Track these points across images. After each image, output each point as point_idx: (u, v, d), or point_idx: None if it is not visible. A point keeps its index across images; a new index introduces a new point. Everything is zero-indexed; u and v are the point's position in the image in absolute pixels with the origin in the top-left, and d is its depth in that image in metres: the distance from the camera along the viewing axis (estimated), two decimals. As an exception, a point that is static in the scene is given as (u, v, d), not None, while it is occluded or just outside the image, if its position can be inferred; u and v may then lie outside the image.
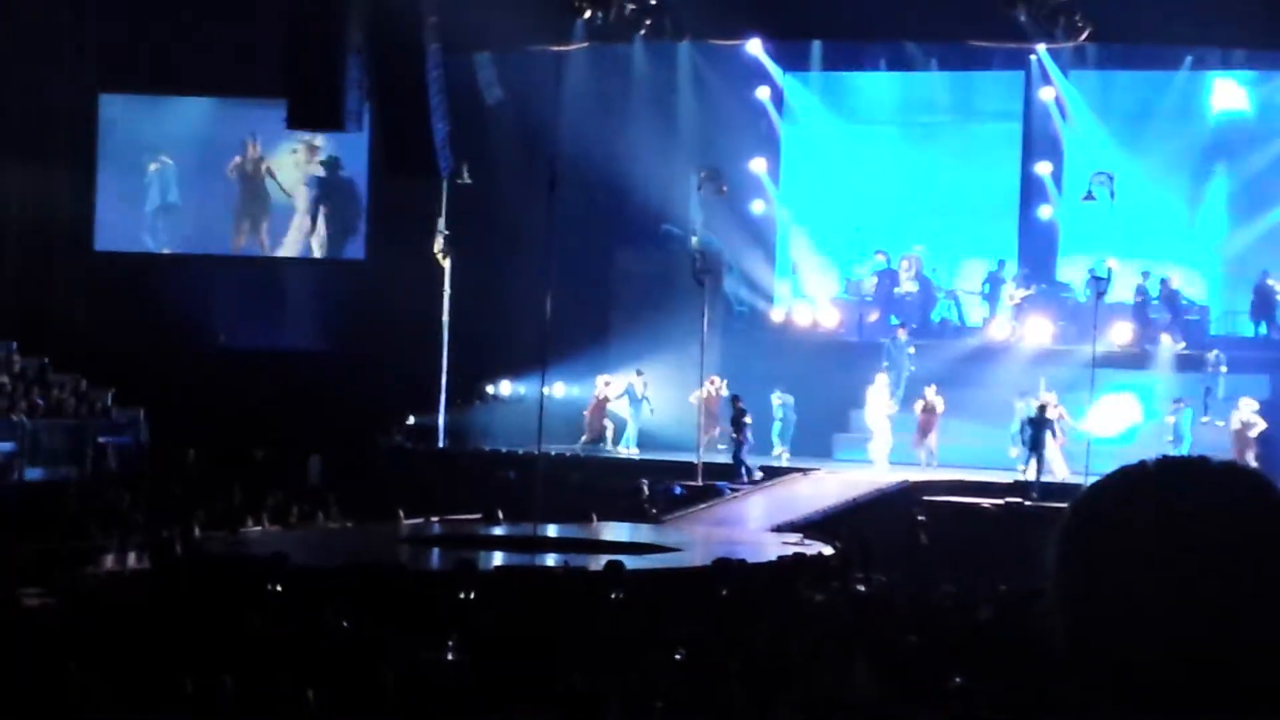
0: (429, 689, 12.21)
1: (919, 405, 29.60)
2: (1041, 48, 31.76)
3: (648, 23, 30.56)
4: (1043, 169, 33.45)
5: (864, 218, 34.41)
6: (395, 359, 31.81)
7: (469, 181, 31.03)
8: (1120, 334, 30.85)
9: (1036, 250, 33.85)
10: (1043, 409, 27.53)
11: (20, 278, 35.15)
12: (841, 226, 34.60)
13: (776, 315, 33.77)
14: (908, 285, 33.73)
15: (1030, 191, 33.83)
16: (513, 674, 12.54)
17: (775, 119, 34.54)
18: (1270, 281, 31.91)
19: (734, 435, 28.81)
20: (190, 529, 21.72)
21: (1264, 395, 28.99)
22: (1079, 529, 2.02)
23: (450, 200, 31.49)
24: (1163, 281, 31.93)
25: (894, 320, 32.88)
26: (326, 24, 30.05)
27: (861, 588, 18.88)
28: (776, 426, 30.61)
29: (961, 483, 27.32)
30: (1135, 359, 30.72)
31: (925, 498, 26.41)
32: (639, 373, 31.31)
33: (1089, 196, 28.62)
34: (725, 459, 28.90)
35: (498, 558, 21.04)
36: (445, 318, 31.57)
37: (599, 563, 18.50)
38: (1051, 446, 27.49)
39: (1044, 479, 26.67)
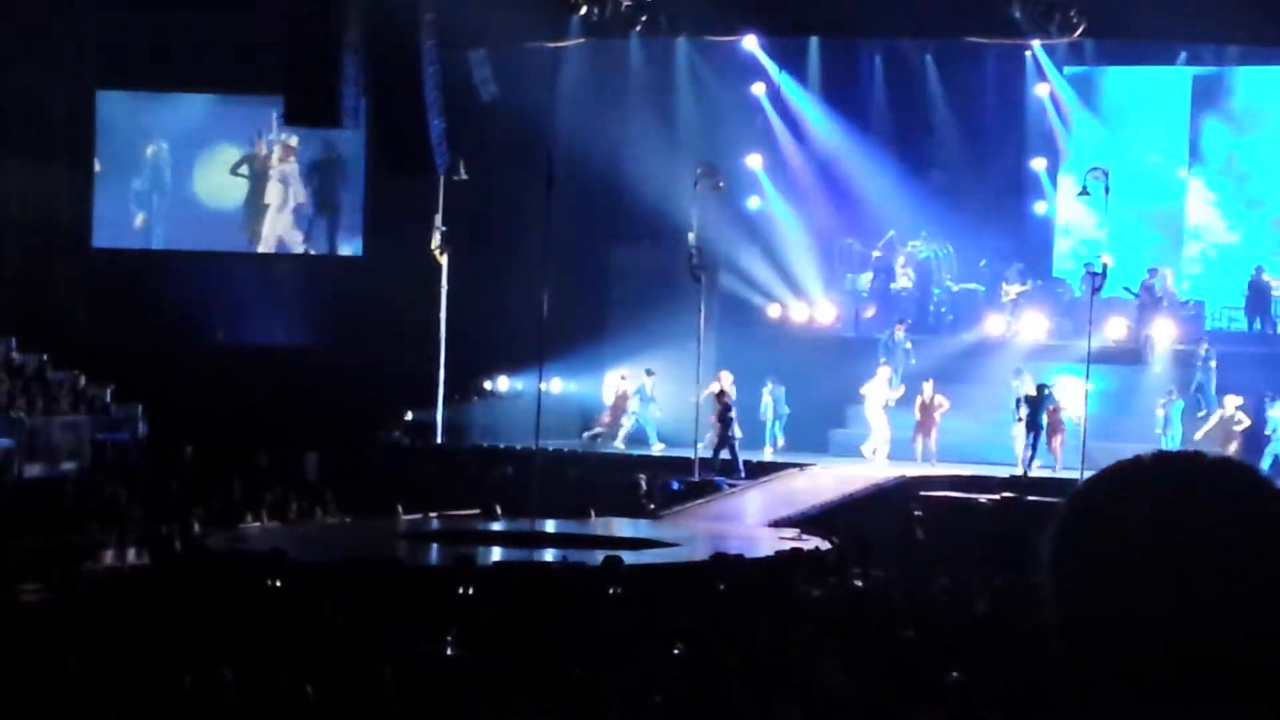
0: (428, 684, 12.22)
1: (918, 402, 29.62)
2: (1037, 44, 31.79)
3: (643, 19, 30.55)
4: (1038, 165, 33.46)
5: (860, 214, 34.38)
6: (393, 355, 31.78)
7: (466, 178, 31.03)
8: (1115, 329, 30.89)
9: (1032, 246, 33.89)
10: (1041, 388, 27.73)
11: (19, 274, 35.07)
12: (837, 222, 34.56)
13: (773, 311, 33.77)
14: (904, 281, 33.74)
15: (1026, 187, 33.86)
16: (511, 669, 12.55)
17: (771, 115, 34.54)
18: (1265, 276, 31.94)
19: (721, 430, 28.83)
20: (189, 525, 21.73)
21: (1260, 390, 29.00)
22: (1074, 524, 2.03)
23: (447, 197, 31.44)
24: (1151, 271, 31.86)
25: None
26: (324, 22, 30.08)
27: (859, 583, 18.90)
28: (770, 422, 30.65)
29: (957, 478, 27.37)
30: (1130, 354, 30.76)
31: (921, 493, 26.43)
32: (649, 372, 31.32)
33: (1084, 192, 28.64)
34: (725, 455, 28.92)
35: (496, 553, 21.07)
36: (443, 314, 31.53)
37: (597, 558, 18.51)
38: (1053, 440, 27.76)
39: (1043, 472, 26.80)
